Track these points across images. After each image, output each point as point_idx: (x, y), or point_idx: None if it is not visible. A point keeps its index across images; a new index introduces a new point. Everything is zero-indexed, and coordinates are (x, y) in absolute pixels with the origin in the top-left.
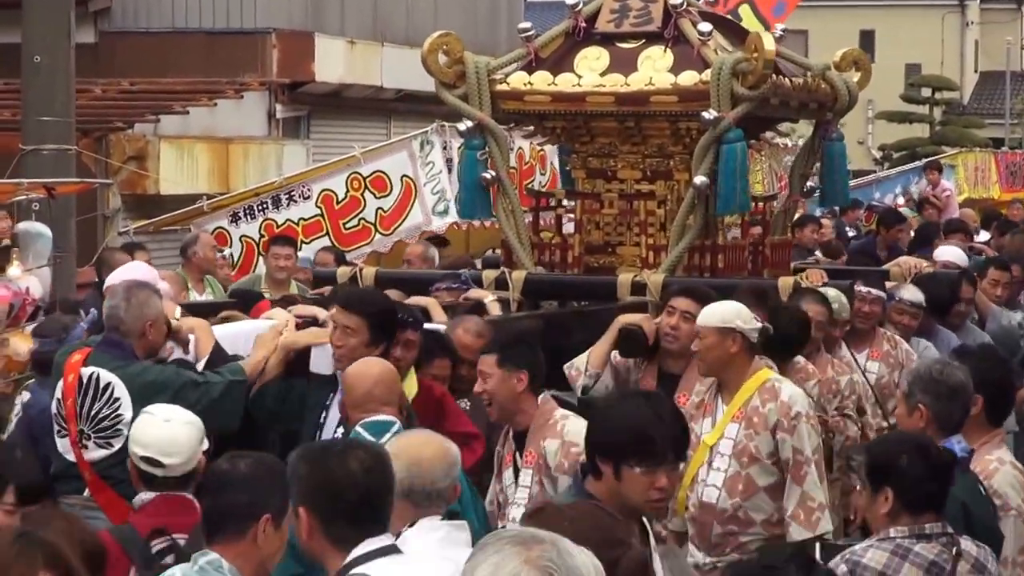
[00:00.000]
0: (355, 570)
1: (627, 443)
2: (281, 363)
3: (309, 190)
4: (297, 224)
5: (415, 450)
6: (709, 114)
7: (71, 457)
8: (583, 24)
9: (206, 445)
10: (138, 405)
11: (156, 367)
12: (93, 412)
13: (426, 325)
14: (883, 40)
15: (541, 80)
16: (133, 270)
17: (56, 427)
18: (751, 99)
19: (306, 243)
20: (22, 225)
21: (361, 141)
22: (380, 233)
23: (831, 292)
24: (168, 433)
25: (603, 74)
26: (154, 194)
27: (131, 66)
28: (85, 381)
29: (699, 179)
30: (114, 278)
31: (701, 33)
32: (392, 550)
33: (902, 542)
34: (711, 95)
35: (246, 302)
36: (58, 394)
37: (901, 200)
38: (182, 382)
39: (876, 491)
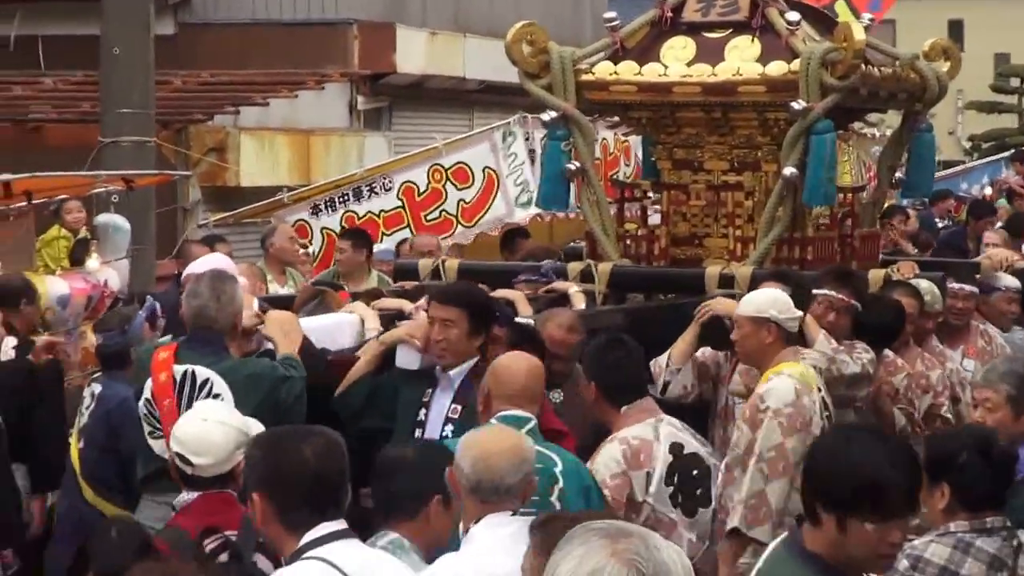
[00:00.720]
0: (308, 553)
1: (856, 494)
2: (372, 361)
3: (391, 182)
4: (378, 216)
5: (484, 446)
6: (798, 104)
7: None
8: (669, 14)
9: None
10: (240, 400)
11: (252, 360)
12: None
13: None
14: (972, 29)
15: (627, 70)
16: (212, 262)
17: (148, 428)
18: (840, 89)
19: (387, 235)
20: (101, 217)
21: (443, 132)
22: (462, 225)
23: (923, 284)
24: (202, 432)
25: (689, 64)
26: (234, 186)
27: (211, 57)
28: (179, 379)
29: (788, 170)
30: (192, 270)
31: (789, 22)
32: (346, 534)
33: (963, 536)
34: (800, 85)
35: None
36: (147, 394)
37: (989, 191)
38: (277, 375)
39: (933, 485)
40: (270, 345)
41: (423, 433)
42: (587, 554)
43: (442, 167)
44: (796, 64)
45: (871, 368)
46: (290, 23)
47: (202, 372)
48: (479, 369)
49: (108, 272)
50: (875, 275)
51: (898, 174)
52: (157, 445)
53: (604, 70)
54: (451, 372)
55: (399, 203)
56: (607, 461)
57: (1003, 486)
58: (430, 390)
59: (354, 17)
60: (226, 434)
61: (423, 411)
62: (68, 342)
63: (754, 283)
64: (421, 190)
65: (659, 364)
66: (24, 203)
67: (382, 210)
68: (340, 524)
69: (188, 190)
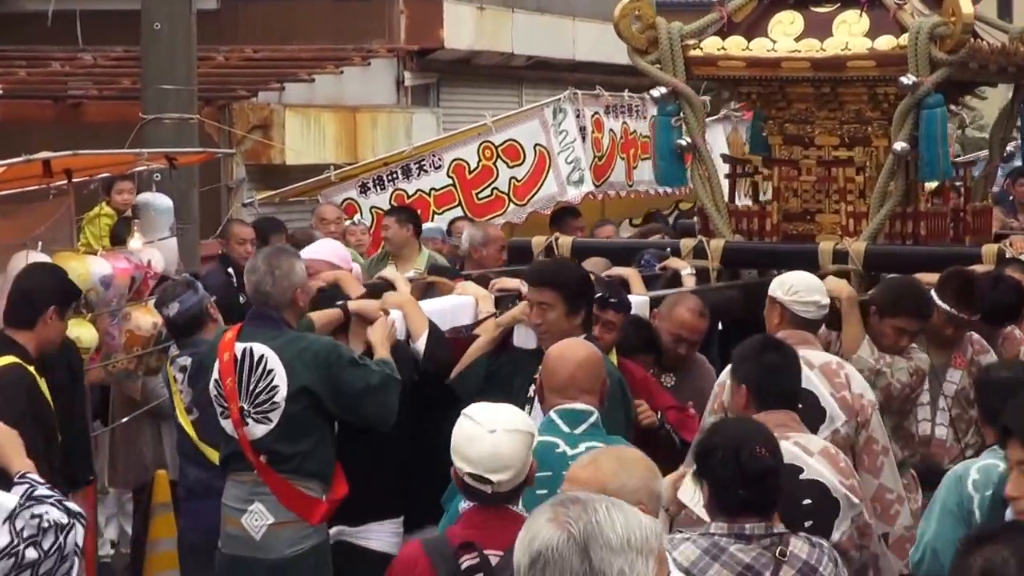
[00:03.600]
0: None
1: None
2: (491, 342)
3: (440, 159)
4: (428, 194)
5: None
6: (907, 79)
7: (238, 436)
8: None
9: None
10: (292, 375)
11: (311, 336)
12: (251, 388)
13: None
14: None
15: (735, 45)
16: (324, 249)
17: (218, 408)
18: (949, 63)
19: (438, 214)
20: (143, 196)
21: (492, 109)
22: (514, 203)
23: None
24: (494, 445)
25: (798, 39)
26: (279, 164)
27: (254, 33)
28: (240, 357)
29: (899, 145)
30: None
31: None
32: None
33: (719, 540)
34: (909, 60)
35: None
36: (215, 375)
37: None
38: (338, 355)
39: (695, 480)
40: (400, 329)
41: (531, 409)
42: (531, 522)
43: (492, 144)
44: (904, 38)
45: (924, 368)
46: None
47: (259, 349)
48: None
49: (152, 252)
50: (988, 250)
51: (1009, 147)
52: (227, 425)
53: (712, 45)
54: None
55: (450, 181)
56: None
57: (759, 493)
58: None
59: None
60: (518, 443)
61: (533, 387)
62: (112, 324)
63: (868, 258)
64: (472, 168)
65: None
66: (64, 182)
67: (432, 188)
68: None
69: (232, 168)
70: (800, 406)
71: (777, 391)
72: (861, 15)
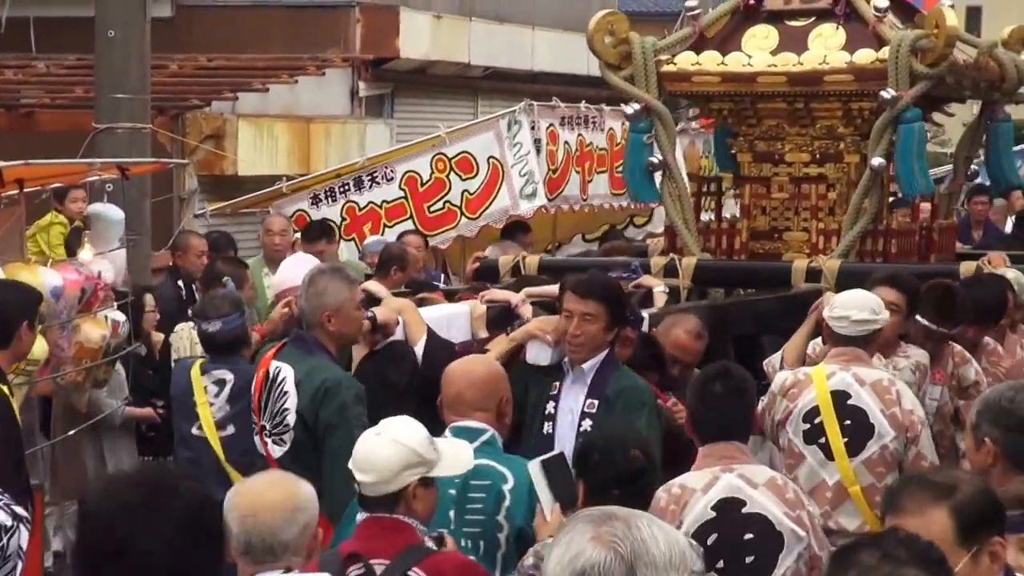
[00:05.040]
0: None
1: None
2: (501, 357)
3: (392, 171)
4: (380, 207)
5: (251, 498)
6: (887, 93)
7: (265, 455)
8: (751, 2)
9: (418, 474)
10: (299, 401)
11: (332, 369)
12: (271, 407)
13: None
14: (990, 15)
15: (710, 60)
16: (302, 262)
17: (252, 424)
18: (930, 77)
19: (389, 227)
20: (94, 207)
21: (447, 120)
22: (466, 217)
23: (1010, 274)
24: (371, 447)
25: (774, 53)
26: (232, 175)
27: (209, 41)
28: (270, 375)
29: (877, 160)
30: (282, 278)
31: (877, 9)
32: None
33: None
34: (889, 73)
35: (417, 291)
36: (253, 389)
37: None
38: (342, 404)
39: (576, 482)
40: (400, 336)
41: (553, 427)
42: (572, 540)
43: (446, 156)
44: (884, 52)
45: (924, 361)
46: (290, 6)
47: (284, 370)
48: (610, 361)
49: (102, 263)
50: (966, 268)
51: (973, 166)
52: (258, 442)
53: (686, 60)
54: (584, 366)
55: (402, 193)
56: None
57: (632, 493)
58: (557, 383)
59: (357, 0)
60: (394, 452)
61: (551, 404)
62: (61, 336)
63: (841, 276)
64: (424, 180)
65: (772, 364)
66: (16, 191)
67: (384, 201)
68: None
69: (185, 179)
70: (848, 422)
71: (716, 422)
72: (838, 29)
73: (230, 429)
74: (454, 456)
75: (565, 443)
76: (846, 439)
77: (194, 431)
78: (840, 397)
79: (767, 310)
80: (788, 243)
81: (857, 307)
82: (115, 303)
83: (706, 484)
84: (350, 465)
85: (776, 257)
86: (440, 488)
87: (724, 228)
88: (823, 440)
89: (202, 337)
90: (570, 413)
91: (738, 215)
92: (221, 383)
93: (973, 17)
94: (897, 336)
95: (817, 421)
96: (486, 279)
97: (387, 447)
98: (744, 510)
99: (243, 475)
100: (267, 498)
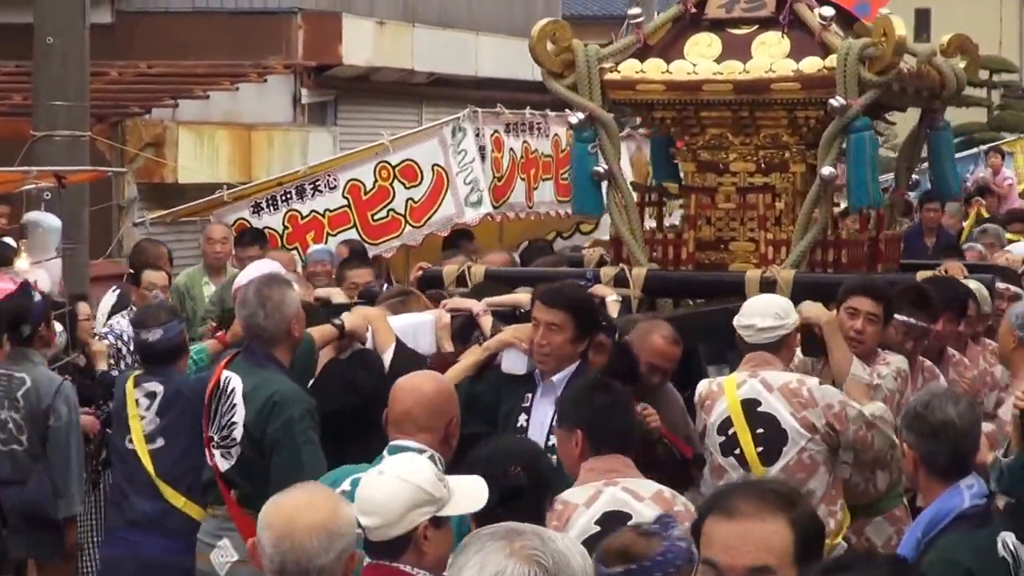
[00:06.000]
0: None
1: None
2: (474, 366)
3: (335, 180)
4: (323, 215)
5: (288, 518)
6: (837, 101)
7: (211, 466)
8: (692, 9)
9: (427, 514)
10: (250, 419)
11: (282, 382)
12: (220, 419)
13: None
14: (939, 19)
15: (654, 68)
16: (262, 269)
17: (157, 438)
18: (879, 85)
19: (332, 235)
20: (31, 215)
21: (390, 128)
22: (410, 225)
23: (972, 285)
24: (373, 487)
25: (717, 61)
26: (172, 183)
27: (149, 48)
28: (220, 386)
29: (827, 170)
30: (240, 281)
31: (823, 17)
32: None
33: None
34: (837, 81)
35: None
36: (205, 398)
37: None
38: (289, 420)
39: None
40: (368, 344)
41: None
42: (486, 559)
43: (389, 164)
44: (831, 60)
45: (905, 367)
46: (232, 12)
47: (234, 381)
48: (580, 373)
49: (38, 273)
50: (924, 277)
51: (914, 176)
52: (207, 452)
53: (630, 68)
54: (554, 378)
55: (345, 202)
56: None
57: (521, 512)
58: (529, 395)
59: (298, 6)
60: (399, 491)
61: (523, 416)
62: None
63: (796, 287)
64: (367, 188)
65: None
66: None
67: (327, 209)
68: None
69: (124, 187)
70: (761, 430)
71: (610, 431)
72: (782, 37)
73: (159, 442)
74: (467, 492)
75: None
76: (760, 448)
77: (127, 444)
78: (750, 405)
79: (720, 321)
80: (735, 253)
81: (761, 314)
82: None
83: (588, 498)
84: (354, 509)
85: (723, 268)
86: None
87: (670, 238)
88: (738, 451)
89: (140, 346)
90: (541, 427)
91: (680, 225)
92: (152, 395)
93: (922, 19)
94: (877, 345)
95: (731, 432)
96: (430, 288)
97: (391, 485)
98: (630, 524)
99: (174, 488)
100: (305, 520)
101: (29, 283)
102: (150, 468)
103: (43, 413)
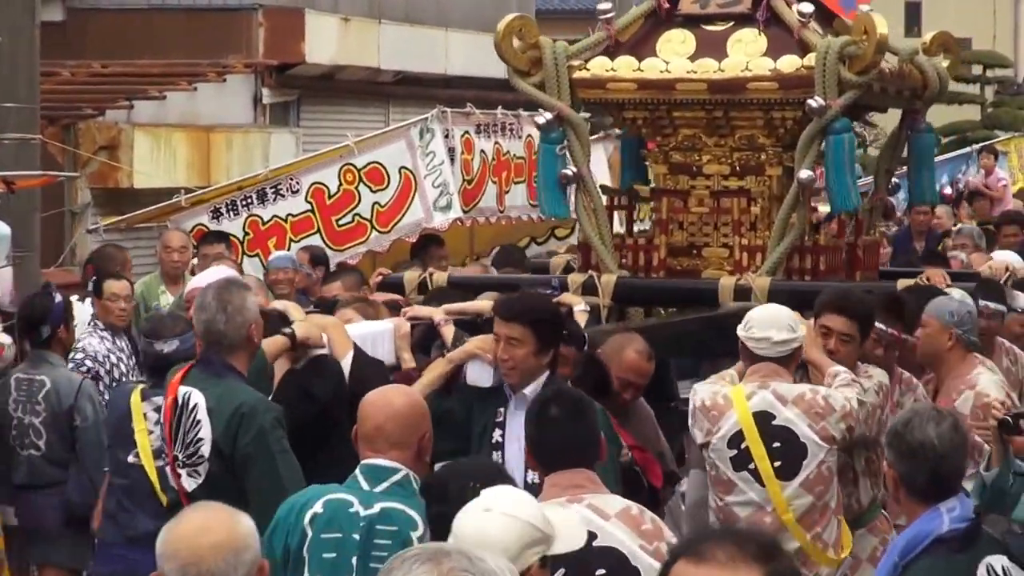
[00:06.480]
0: None
1: None
2: (439, 379)
3: (298, 183)
4: (285, 221)
5: (191, 543)
6: (815, 102)
7: (176, 487)
8: (666, 5)
9: (538, 553)
10: (217, 431)
11: (246, 392)
12: (184, 438)
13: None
14: (930, 13)
15: (625, 66)
16: (217, 275)
17: (164, 453)
18: (859, 85)
19: (295, 241)
20: None
21: (355, 129)
22: (377, 230)
23: (956, 294)
24: (481, 525)
25: (691, 59)
26: (127, 188)
27: (103, 47)
28: (180, 402)
29: (805, 173)
30: (197, 284)
31: (802, 14)
32: None
33: None
34: (816, 81)
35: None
36: (161, 417)
37: (949, 190)
38: (261, 430)
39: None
40: (325, 350)
41: (502, 455)
42: None
43: (354, 167)
44: (809, 59)
45: (885, 381)
46: (189, 8)
47: (195, 396)
48: (550, 384)
49: None
50: (903, 285)
51: (895, 179)
52: (169, 473)
53: (600, 66)
54: (526, 391)
55: (308, 206)
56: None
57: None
58: (502, 409)
59: (259, 2)
60: (510, 529)
61: (498, 432)
62: None
63: (772, 295)
64: (332, 192)
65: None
66: None
67: (289, 214)
68: None
69: (77, 192)
70: (777, 444)
71: (554, 448)
72: (759, 34)
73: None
74: (567, 528)
75: (515, 472)
76: (777, 462)
77: (130, 459)
78: (763, 418)
79: (693, 331)
80: (708, 260)
81: (776, 327)
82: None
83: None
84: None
85: (695, 274)
86: (343, 532)
87: (641, 244)
88: (752, 466)
89: (153, 358)
90: (517, 441)
91: (650, 230)
92: (160, 409)
93: (912, 13)
94: (855, 361)
95: (743, 446)
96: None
97: (502, 523)
98: (595, 543)
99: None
100: (208, 542)
101: (51, 284)
102: (156, 483)
103: (66, 414)
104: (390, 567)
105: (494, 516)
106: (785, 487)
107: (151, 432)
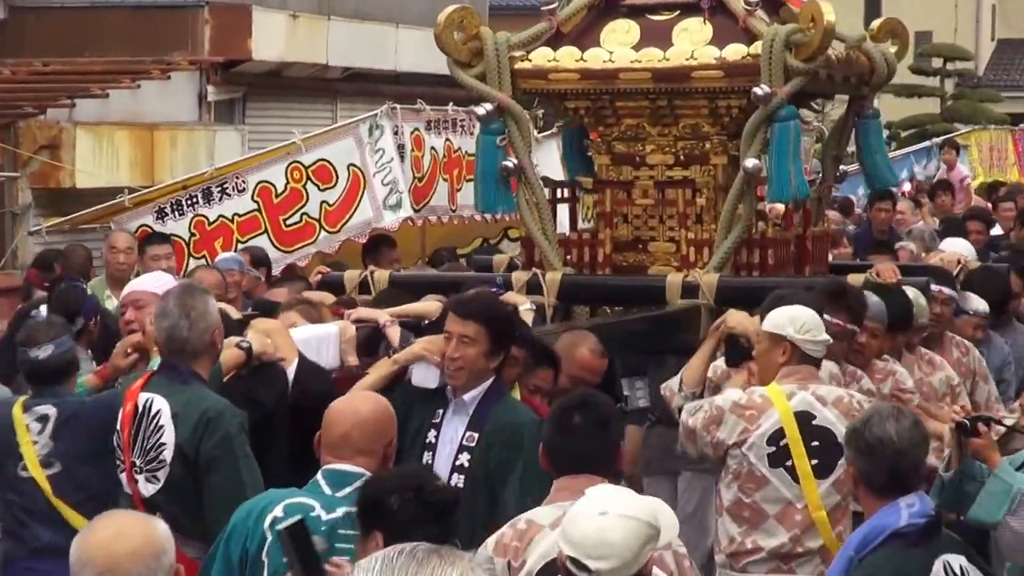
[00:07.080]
0: None
1: None
2: (383, 380)
3: (244, 182)
4: (231, 220)
5: (109, 548)
6: (761, 89)
7: (131, 492)
8: None
9: (653, 548)
10: (177, 434)
11: (212, 398)
12: (143, 443)
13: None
14: (890, 4)
15: (568, 56)
16: (156, 282)
17: (117, 460)
18: (805, 73)
19: (242, 242)
20: None
21: (303, 126)
22: (325, 230)
23: (909, 292)
24: (600, 529)
25: (635, 48)
26: (69, 188)
27: (43, 44)
28: (140, 409)
29: (751, 162)
30: (135, 288)
31: (748, 3)
32: None
33: None
34: (762, 69)
35: (265, 314)
36: (118, 424)
37: (908, 186)
38: (227, 436)
39: (366, 536)
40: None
41: (432, 456)
42: None
43: (302, 165)
44: (756, 47)
45: (838, 375)
46: (132, 6)
47: (157, 402)
48: (494, 391)
49: None
50: (854, 280)
51: (842, 167)
52: (123, 479)
53: (542, 57)
54: (465, 396)
55: (255, 205)
56: (485, 543)
57: (446, 529)
58: (441, 410)
59: None
60: (630, 530)
61: (432, 432)
62: None
63: (720, 292)
64: (279, 191)
65: (670, 388)
66: None
67: (236, 214)
68: None
69: (17, 192)
70: (815, 443)
71: (576, 454)
72: (705, 23)
73: (57, 466)
74: (667, 518)
75: (442, 475)
76: (815, 461)
77: (20, 472)
78: (804, 418)
79: (640, 331)
80: (654, 255)
81: (818, 327)
82: None
83: (555, 520)
84: (571, 552)
85: (642, 270)
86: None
87: (585, 239)
88: (790, 463)
89: (29, 365)
90: (449, 444)
91: (594, 224)
92: (44, 419)
93: (872, 5)
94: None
95: (783, 443)
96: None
97: (622, 525)
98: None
99: (78, 512)
100: (124, 549)
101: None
102: (50, 494)
103: None
104: (391, 568)
105: (612, 519)
106: (819, 485)
107: (36, 443)
